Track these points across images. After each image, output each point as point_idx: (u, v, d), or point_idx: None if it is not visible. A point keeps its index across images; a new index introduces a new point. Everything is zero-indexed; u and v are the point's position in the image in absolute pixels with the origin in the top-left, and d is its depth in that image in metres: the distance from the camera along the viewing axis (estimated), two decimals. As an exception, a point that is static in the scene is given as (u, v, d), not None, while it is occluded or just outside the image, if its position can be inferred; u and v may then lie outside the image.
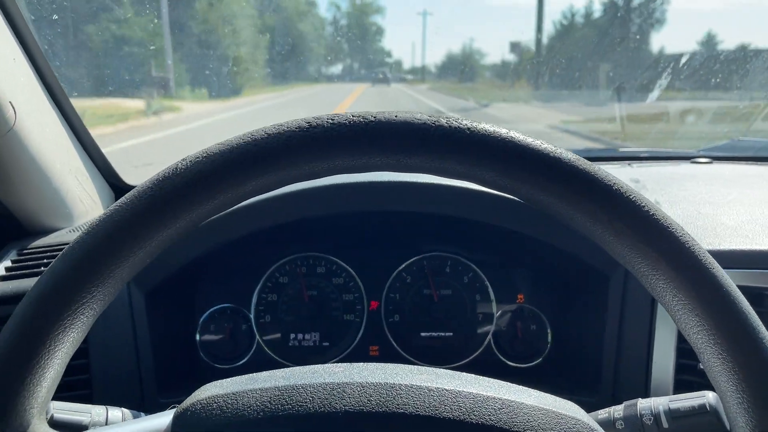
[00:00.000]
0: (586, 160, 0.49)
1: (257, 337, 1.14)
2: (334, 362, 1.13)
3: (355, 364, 0.52)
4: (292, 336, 1.15)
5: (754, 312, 0.48)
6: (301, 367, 0.52)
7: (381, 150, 0.47)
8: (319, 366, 0.52)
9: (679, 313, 0.48)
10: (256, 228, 1.01)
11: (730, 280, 0.48)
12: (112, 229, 0.46)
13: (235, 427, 0.47)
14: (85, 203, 1.20)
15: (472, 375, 0.53)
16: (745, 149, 1.87)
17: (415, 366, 0.53)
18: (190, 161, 0.47)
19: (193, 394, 0.50)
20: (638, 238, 0.47)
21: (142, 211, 0.46)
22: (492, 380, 0.52)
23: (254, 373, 0.52)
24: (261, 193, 0.48)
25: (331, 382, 0.49)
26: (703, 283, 0.47)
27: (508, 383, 0.53)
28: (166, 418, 0.50)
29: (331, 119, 0.47)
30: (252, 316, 1.14)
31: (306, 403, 0.47)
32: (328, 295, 1.16)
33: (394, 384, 0.49)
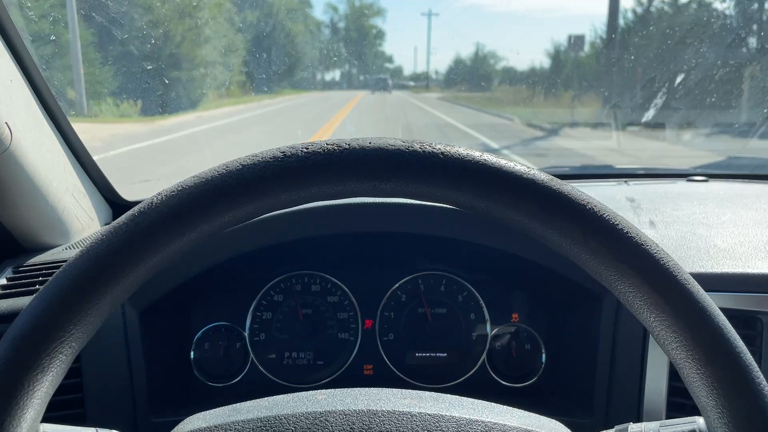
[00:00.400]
0: (559, 180, 0.49)
1: (251, 355, 1.14)
2: (328, 381, 1.14)
3: (338, 391, 0.52)
4: (287, 354, 1.15)
5: (731, 326, 0.48)
6: (284, 396, 0.52)
7: (356, 177, 0.48)
8: (302, 393, 0.52)
9: (657, 329, 0.49)
10: (251, 247, 1.02)
11: (705, 294, 0.48)
12: (88, 269, 0.46)
13: None
14: (81, 221, 1.21)
15: (457, 397, 0.53)
16: (742, 167, 1.88)
17: (399, 390, 0.53)
18: (165, 196, 0.47)
19: (175, 428, 0.50)
20: (613, 255, 0.48)
21: (118, 249, 0.46)
22: (476, 402, 0.52)
23: (237, 404, 0.52)
24: (240, 223, 0.49)
25: (313, 411, 0.49)
26: (678, 299, 0.47)
27: (493, 404, 0.53)
28: None
29: (306, 148, 0.48)
30: (246, 334, 1.14)
31: None
32: (323, 313, 1.16)
33: (376, 411, 0.49)
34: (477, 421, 0.49)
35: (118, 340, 0.98)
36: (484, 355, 1.15)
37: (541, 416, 0.53)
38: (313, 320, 1.15)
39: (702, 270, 0.95)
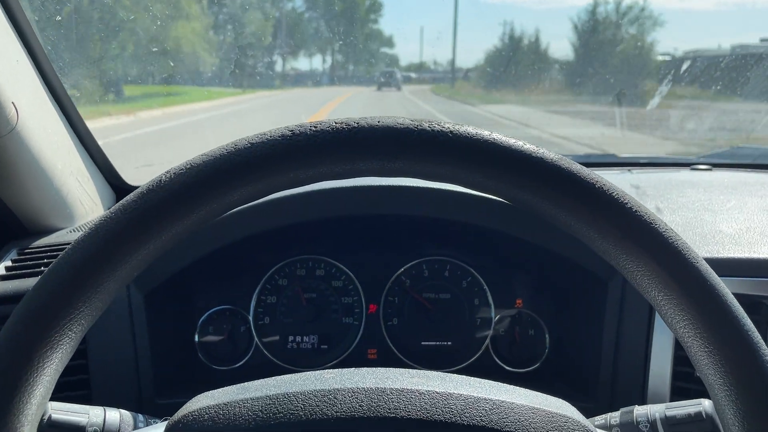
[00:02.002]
0: (569, 160, 0.49)
1: (256, 339, 1.14)
2: (332, 365, 1.14)
3: (346, 370, 0.52)
4: (291, 338, 1.15)
5: (739, 305, 0.48)
6: (292, 375, 0.52)
7: (364, 156, 0.48)
8: (310, 373, 0.52)
9: (665, 308, 0.49)
10: (256, 231, 1.02)
11: (714, 274, 0.48)
12: (97, 246, 0.46)
13: None
14: (85, 205, 1.21)
15: (463, 376, 0.53)
16: (746, 156, 1.87)
17: (406, 369, 0.53)
18: (174, 173, 0.47)
19: (184, 405, 0.50)
20: (622, 234, 0.48)
21: (127, 226, 0.46)
22: (483, 381, 0.53)
23: (246, 383, 0.52)
24: (247, 202, 0.48)
25: (321, 388, 0.49)
26: (688, 278, 0.47)
27: (500, 383, 0.53)
28: (158, 430, 0.50)
29: (314, 127, 0.47)
30: (251, 318, 1.14)
31: (297, 411, 0.48)
32: (327, 297, 1.16)
33: (384, 388, 0.49)
34: (484, 399, 0.49)
35: (123, 323, 0.98)
36: (487, 341, 1.16)
37: (548, 395, 0.53)
38: (317, 304, 1.16)
39: (707, 255, 0.96)
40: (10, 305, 0.94)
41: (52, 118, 1.12)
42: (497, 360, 1.16)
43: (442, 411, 0.48)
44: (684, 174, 1.57)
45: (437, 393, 0.49)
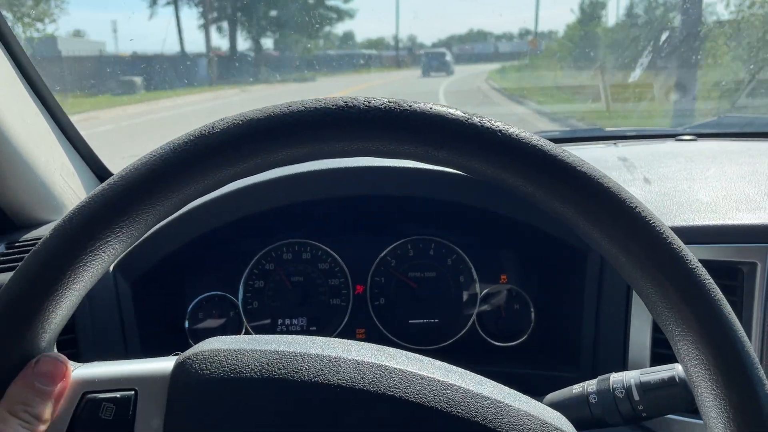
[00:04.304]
0: (610, 178, 0.49)
1: (245, 323, 1.16)
2: None
3: (355, 342, 0.54)
4: (280, 321, 1.17)
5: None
6: (304, 336, 0.53)
7: (411, 139, 0.48)
8: (321, 338, 0.53)
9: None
10: (240, 215, 1.02)
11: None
12: (146, 176, 0.47)
13: (232, 383, 0.49)
14: (71, 199, 1.21)
15: (470, 372, 0.54)
16: (731, 126, 1.88)
17: (414, 354, 0.54)
18: (227, 123, 0.48)
19: (197, 344, 0.52)
20: (643, 255, 0.48)
21: (175, 164, 0.47)
22: (487, 380, 0.53)
23: (259, 335, 0.53)
24: (290, 164, 0.50)
25: (328, 354, 0.50)
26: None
27: (504, 386, 0.53)
28: (169, 363, 0.51)
29: (368, 102, 0.48)
30: (239, 303, 1.16)
31: (302, 370, 0.49)
32: (314, 280, 1.18)
33: (388, 366, 0.50)
34: (483, 396, 0.50)
35: (111, 312, 0.99)
36: (474, 317, 1.17)
37: (546, 407, 0.54)
38: (304, 287, 1.17)
39: (684, 223, 0.97)
40: None
41: (32, 113, 1.12)
42: (484, 335, 1.17)
43: (440, 399, 0.49)
44: (669, 145, 1.57)
45: (438, 381, 0.50)
